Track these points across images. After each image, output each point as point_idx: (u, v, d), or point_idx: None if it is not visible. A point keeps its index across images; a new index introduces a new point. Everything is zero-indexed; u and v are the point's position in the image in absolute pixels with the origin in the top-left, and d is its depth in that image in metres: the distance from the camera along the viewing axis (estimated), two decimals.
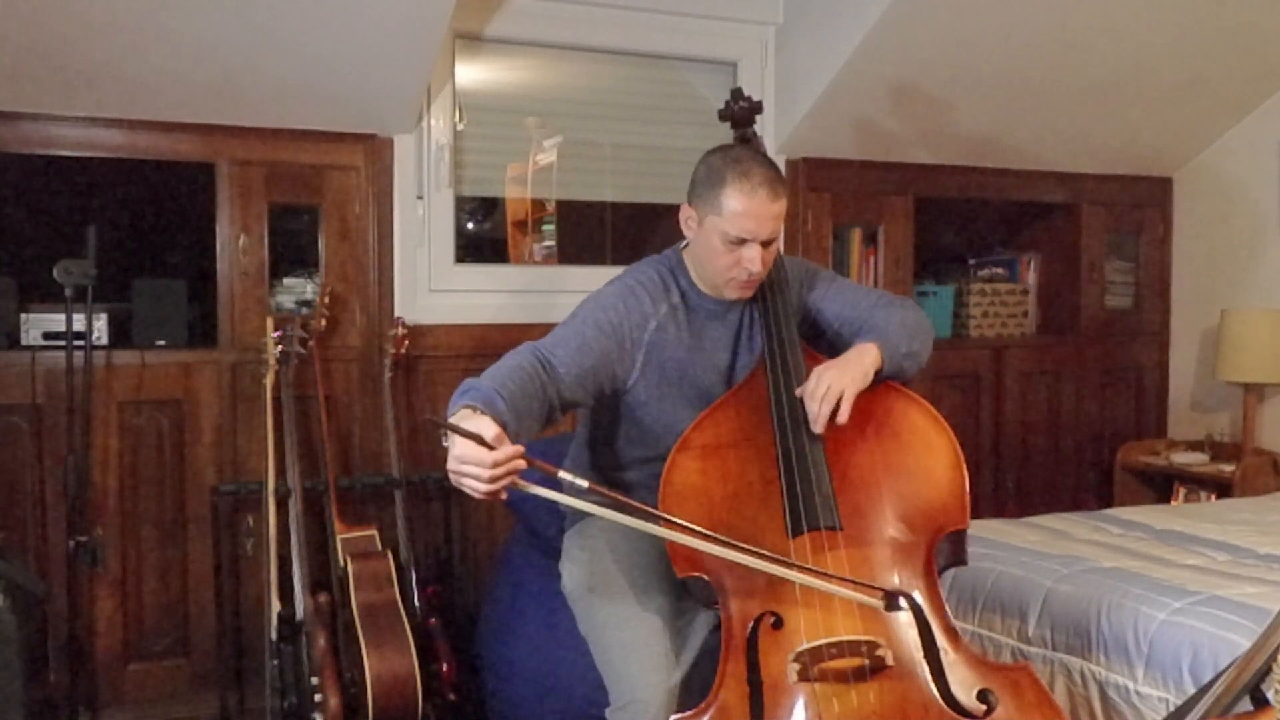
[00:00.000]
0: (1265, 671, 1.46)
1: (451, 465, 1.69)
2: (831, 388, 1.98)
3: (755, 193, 2.04)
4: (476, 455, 1.66)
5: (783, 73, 3.78)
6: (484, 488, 1.68)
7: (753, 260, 2.07)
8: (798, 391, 2.03)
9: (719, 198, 2.06)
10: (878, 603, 1.87)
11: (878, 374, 2.07)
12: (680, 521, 1.85)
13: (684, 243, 2.23)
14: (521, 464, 1.71)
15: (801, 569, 1.87)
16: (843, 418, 1.98)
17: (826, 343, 2.28)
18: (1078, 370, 4.44)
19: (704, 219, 2.10)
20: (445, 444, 1.72)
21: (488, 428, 1.68)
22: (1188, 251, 4.56)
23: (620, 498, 1.83)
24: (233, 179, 3.18)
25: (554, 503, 1.80)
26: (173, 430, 3.15)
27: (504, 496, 1.72)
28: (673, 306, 2.18)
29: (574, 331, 2.07)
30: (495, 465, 1.67)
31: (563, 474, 1.80)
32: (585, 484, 1.80)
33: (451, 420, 1.70)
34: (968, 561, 2.09)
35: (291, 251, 3.39)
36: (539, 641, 2.71)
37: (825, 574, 1.86)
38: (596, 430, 2.29)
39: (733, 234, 2.05)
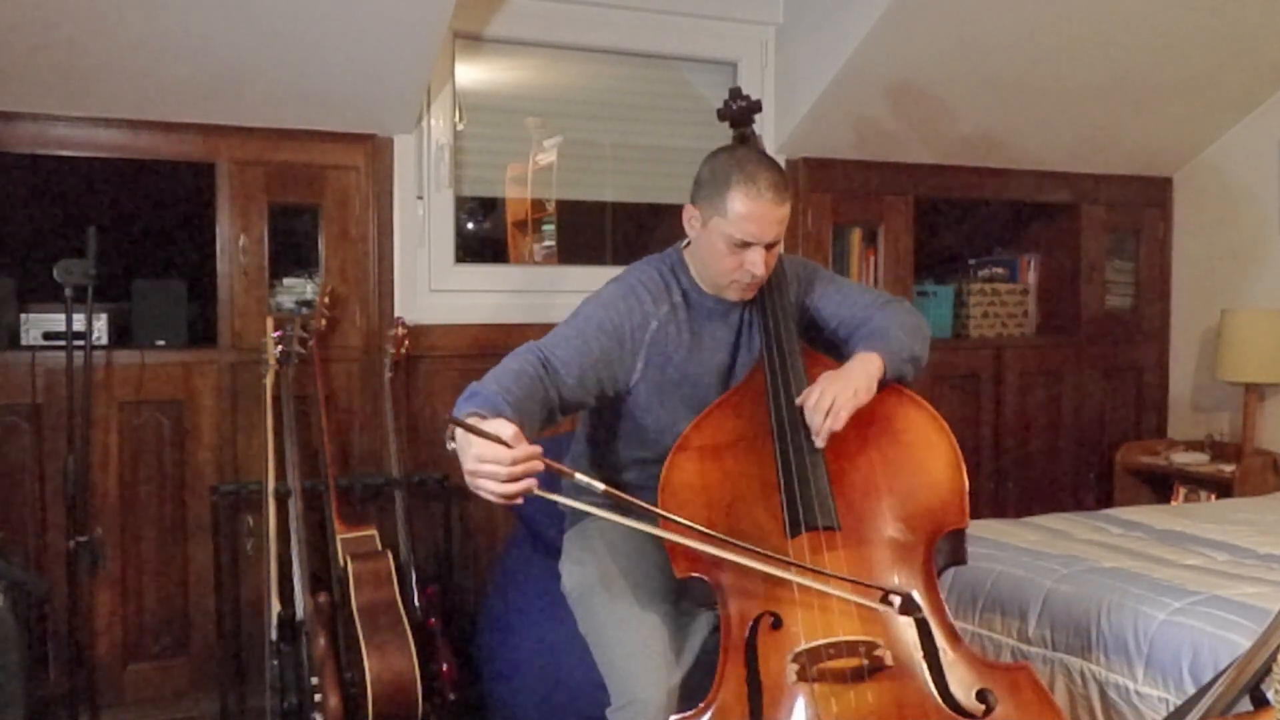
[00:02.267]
0: (1265, 671, 1.46)
1: (469, 466, 1.67)
2: (835, 401, 1.98)
3: (760, 196, 2.03)
4: (495, 454, 1.65)
5: (783, 73, 3.78)
6: (503, 489, 1.67)
7: (756, 263, 2.07)
8: (799, 401, 2.03)
9: (724, 200, 2.05)
10: (878, 605, 1.87)
11: (881, 382, 2.06)
12: (697, 528, 1.84)
13: (685, 241, 2.22)
14: (539, 465, 1.70)
15: (809, 571, 1.87)
16: (836, 426, 1.97)
17: (824, 342, 2.28)
18: (1078, 370, 4.44)
19: (708, 220, 2.10)
20: (450, 446, 1.72)
21: (505, 428, 1.68)
22: (1188, 251, 4.56)
23: (636, 502, 1.83)
24: (233, 179, 3.18)
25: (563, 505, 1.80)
26: (173, 430, 3.15)
27: (519, 501, 1.71)
28: (674, 306, 2.17)
29: (575, 331, 2.07)
30: (514, 464, 1.66)
31: (579, 477, 1.79)
32: (601, 487, 1.79)
33: (458, 418, 1.70)
34: (967, 561, 2.09)
35: (291, 251, 3.39)
36: (539, 641, 2.71)
37: (825, 573, 1.86)
38: (596, 430, 2.29)
39: (737, 237, 2.05)
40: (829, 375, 2.04)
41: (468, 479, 1.69)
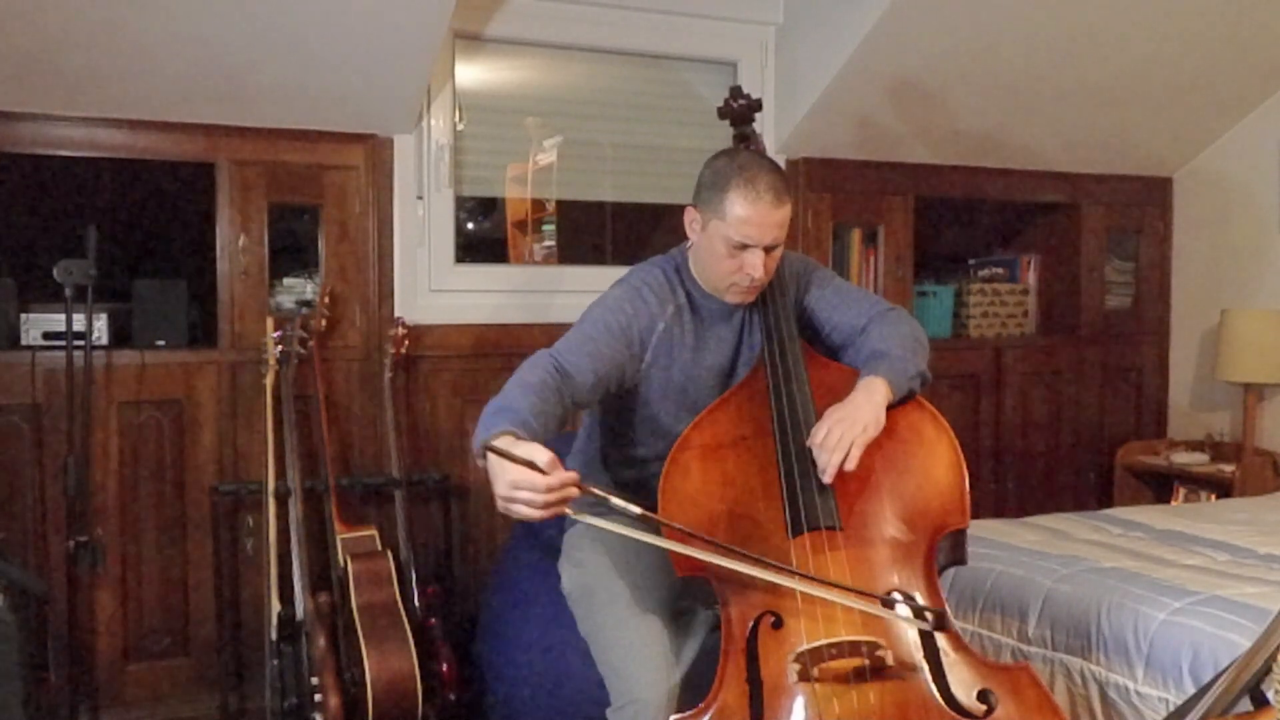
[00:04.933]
0: (1265, 671, 1.46)
1: (504, 492, 1.68)
2: (843, 439, 1.96)
3: (759, 199, 2.03)
4: (531, 481, 1.66)
5: (783, 73, 3.78)
6: (538, 514, 1.68)
7: (755, 266, 2.07)
8: (808, 443, 2.01)
9: (723, 203, 2.05)
10: (882, 611, 1.88)
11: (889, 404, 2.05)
12: (736, 550, 1.84)
13: (689, 243, 2.22)
14: (575, 491, 1.71)
15: (811, 579, 1.87)
16: (850, 466, 1.96)
17: (820, 342, 2.28)
18: (1078, 370, 4.44)
19: (708, 223, 2.10)
20: (481, 464, 1.72)
21: (540, 453, 1.68)
22: (1188, 251, 4.56)
23: (676, 526, 1.85)
24: (233, 179, 3.18)
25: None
26: (173, 430, 3.15)
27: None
28: (679, 307, 2.18)
29: (586, 336, 2.06)
30: (549, 490, 1.67)
31: (615, 501, 1.79)
32: (638, 510, 1.79)
33: (494, 444, 1.69)
34: (968, 561, 2.09)
35: (291, 251, 3.39)
36: (539, 641, 2.71)
37: (831, 583, 1.87)
38: (599, 430, 2.29)
39: (736, 239, 2.05)
40: (836, 411, 2.02)
41: (500, 503, 1.70)
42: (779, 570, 1.85)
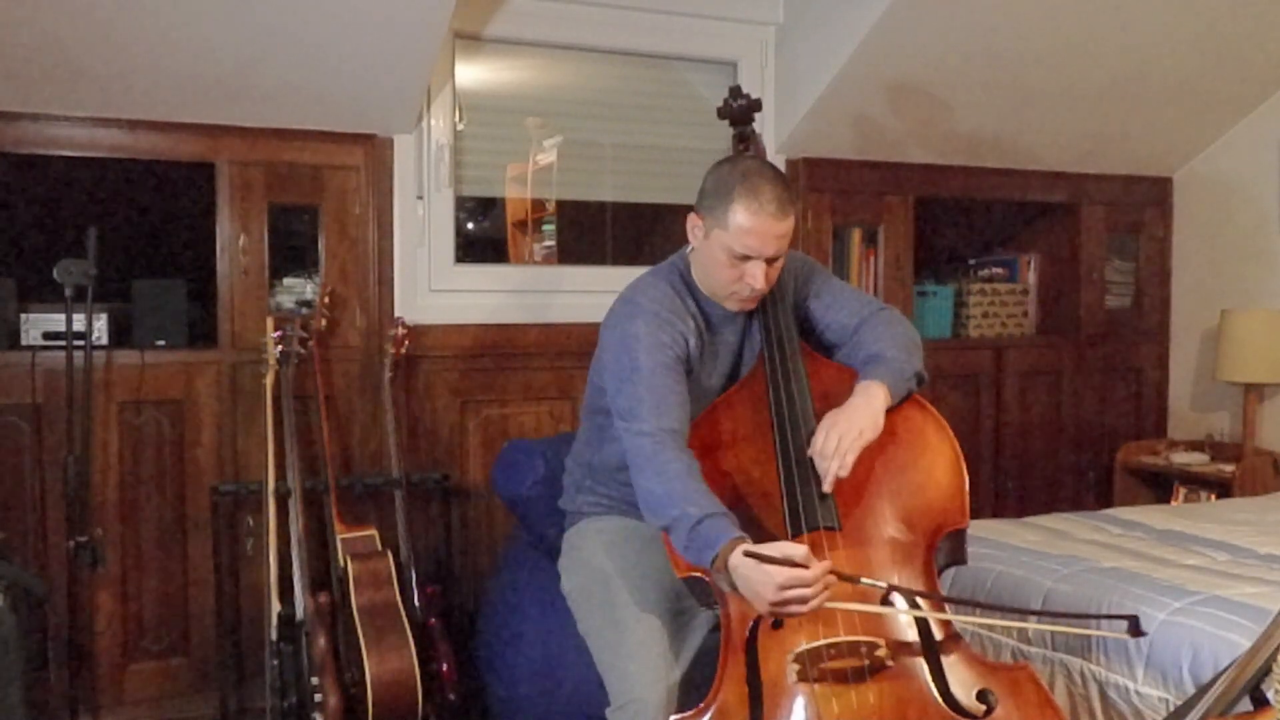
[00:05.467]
0: (1265, 671, 1.45)
1: (773, 597, 1.73)
2: (840, 445, 1.97)
3: (762, 210, 2.02)
4: (799, 578, 1.72)
5: (783, 73, 3.78)
6: (811, 607, 1.74)
7: (755, 277, 2.06)
8: (809, 451, 2.02)
9: (726, 212, 2.04)
10: (881, 608, 1.88)
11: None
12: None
13: (689, 247, 2.22)
14: (833, 578, 1.77)
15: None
16: (844, 473, 1.98)
17: (817, 341, 2.28)
18: (1078, 370, 4.44)
19: (710, 231, 2.09)
20: (725, 587, 1.81)
21: (796, 550, 1.75)
22: (1188, 251, 4.56)
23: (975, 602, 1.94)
24: (233, 179, 3.18)
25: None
26: (173, 430, 3.15)
27: None
28: (692, 316, 2.18)
29: (657, 387, 2.04)
30: (815, 582, 1.73)
31: (865, 580, 1.84)
32: (885, 585, 1.86)
33: (750, 550, 1.75)
34: (967, 561, 2.10)
35: (291, 251, 3.39)
36: (539, 641, 2.71)
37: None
38: (601, 431, 2.29)
39: (737, 250, 2.05)
40: (835, 416, 2.02)
41: (769, 607, 1.75)
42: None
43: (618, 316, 2.16)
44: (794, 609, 1.72)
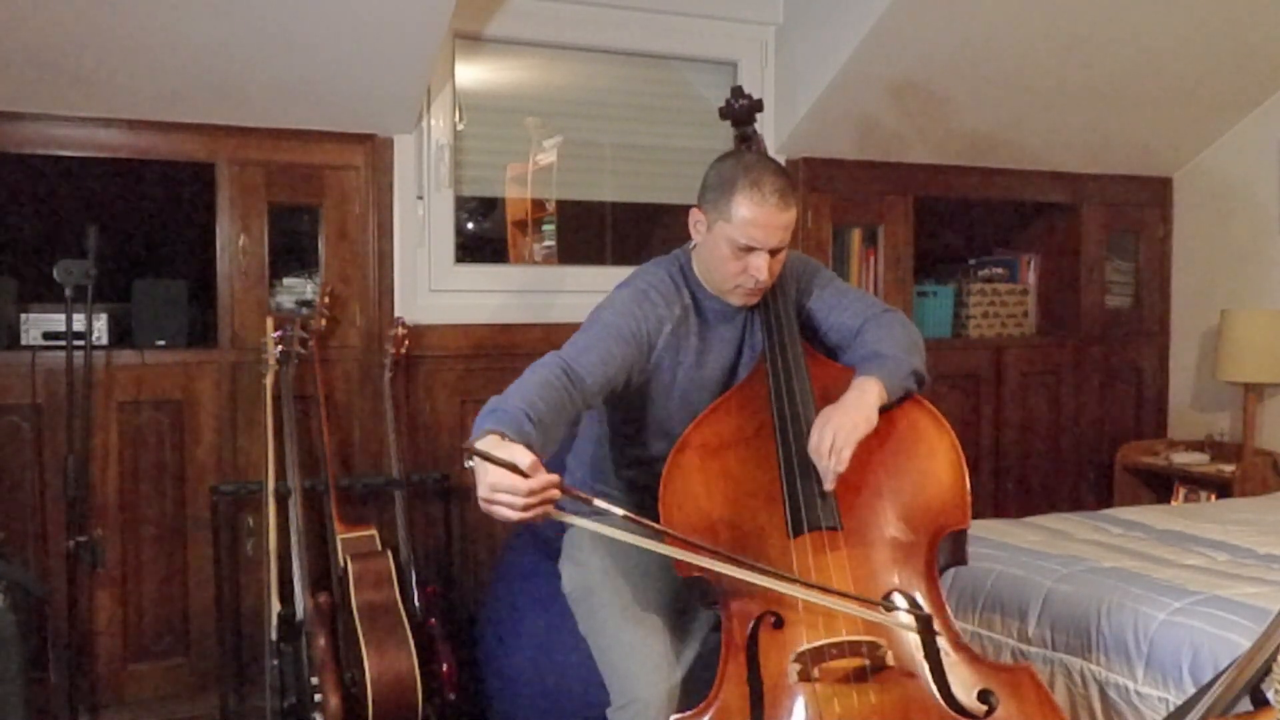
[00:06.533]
0: (1265, 671, 1.46)
1: (484, 493, 1.68)
2: (835, 441, 1.96)
3: (765, 201, 2.03)
4: (511, 484, 1.65)
5: (783, 73, 3.78)
6: (517, 516, 1.68)
7: (759, 269, 2.06)
8: (808, 451, 2.01)
9: (729, 205, 2.05)
10: (883, 616, 1.87)
11: (884, 405, 2.05)
12: (708, 547, 1.84)
13: (692, 243, 2.22)
14: (556, 493, 1.70)
15: (811, 587, 1.86)
16: (841, 468, 1.97)
17: (820, 342, 2.28)
18: (1078, 370, 4.44)
19: (713, 225, 2.09)
20: (468, 465, 1.71)
21: (522, 456, 1.67)
22: (1188, 251, 4.56)
23: (654, 525, 1.84)
24: (233, 179, 3.18)
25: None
26: (173, 430, 3.15)
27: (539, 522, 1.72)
28: (685, 308, 2.18)
29: (595, 339, 2.05)
30: (530, 494, 1.66)
31: (598, 503, 1.78)
32: (620, 512, 1.78)
33: (479, 445, 1.68)
34: (968, 561, 2.09)
35: (291, 251, 3.39)
36: (539, 641, 2.71)
37: (832, 590, 1.86)
38: (601, 429, 2.29)
39: (741, 242, 2.05)
40: (829, 412, 2.02)
41: (482, 504, 1.69)
42: (777, 577, 1.84)
43: (614, 289, 2.20)
44: (501, 511, 1.68)
